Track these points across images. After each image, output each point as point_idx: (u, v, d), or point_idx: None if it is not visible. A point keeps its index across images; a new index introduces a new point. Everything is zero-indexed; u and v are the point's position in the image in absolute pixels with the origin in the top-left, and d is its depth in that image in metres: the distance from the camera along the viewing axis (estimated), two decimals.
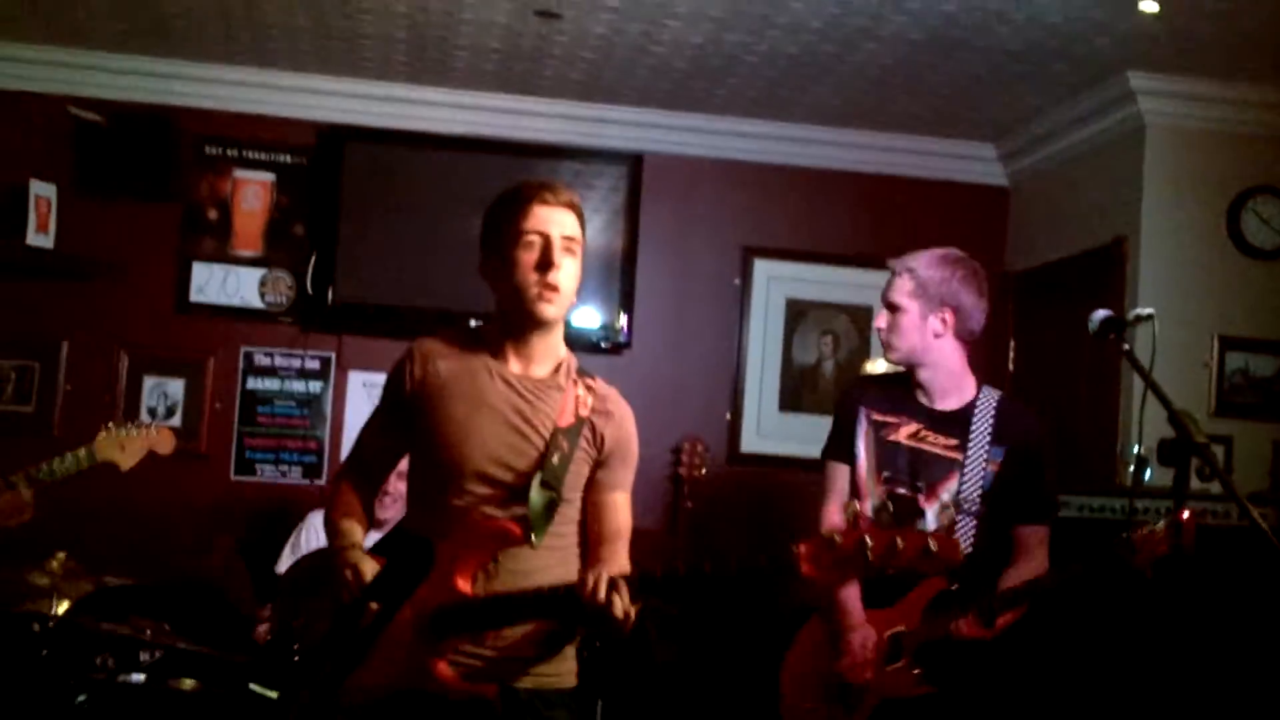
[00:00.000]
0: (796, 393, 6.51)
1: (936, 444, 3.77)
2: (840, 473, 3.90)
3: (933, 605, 3.66)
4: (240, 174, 6.28)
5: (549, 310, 2.98)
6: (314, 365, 6.26)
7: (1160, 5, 4.68)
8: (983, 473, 3.71)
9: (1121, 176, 5.65)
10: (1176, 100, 5.48)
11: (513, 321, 3.03)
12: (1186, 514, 3.16)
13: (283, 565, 5.15)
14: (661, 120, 6.42)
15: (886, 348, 3.86)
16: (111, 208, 6.08)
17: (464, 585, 2.88)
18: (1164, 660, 4.31)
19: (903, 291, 3.80)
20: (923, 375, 3.82)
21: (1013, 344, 6.42)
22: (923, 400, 3.83)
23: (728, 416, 6.48)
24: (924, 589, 3.67)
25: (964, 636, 3.58)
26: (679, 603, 5.15)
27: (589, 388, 3.07)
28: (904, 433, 3.80)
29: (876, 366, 6.20)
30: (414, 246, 6.05)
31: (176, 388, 6.17)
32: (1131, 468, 4.79)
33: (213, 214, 6.24)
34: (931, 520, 3.70)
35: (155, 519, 5.85)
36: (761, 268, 6.53)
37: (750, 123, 6.45)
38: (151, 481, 4.98)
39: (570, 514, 3.03)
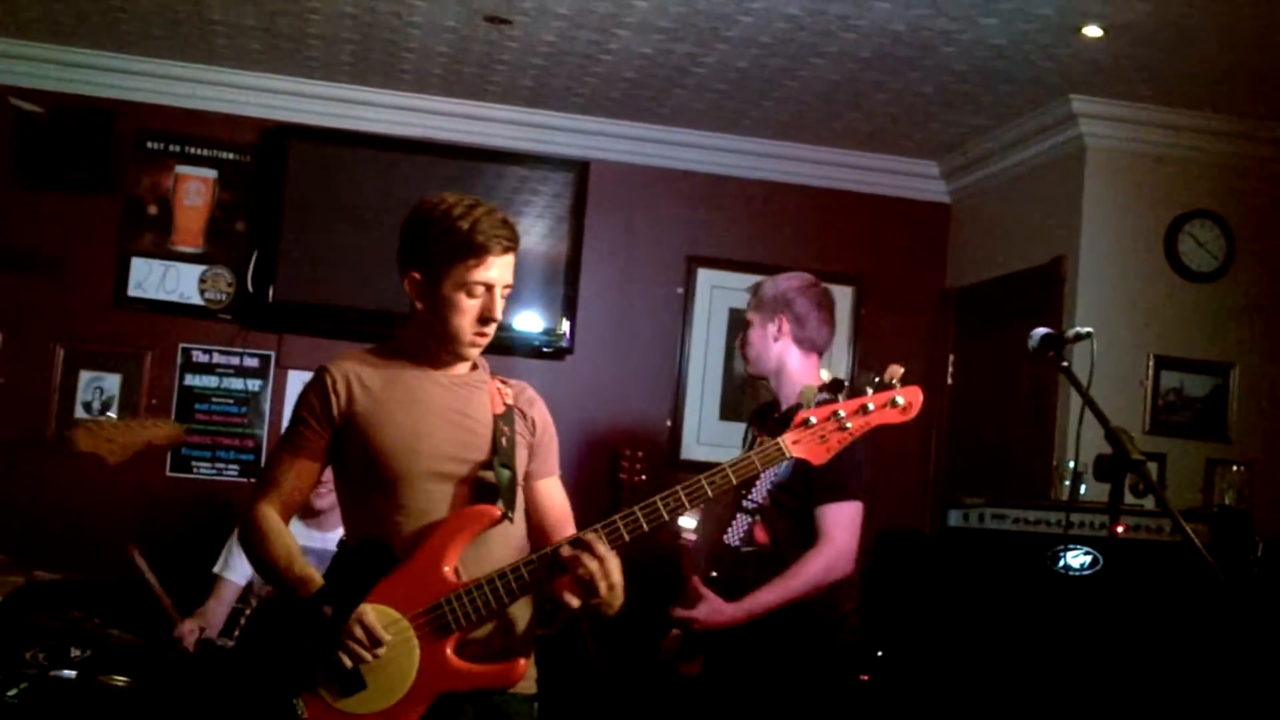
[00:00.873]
0: (737, 402, 6.54)
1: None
2: None
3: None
4: (182, 169, 6.22)
5: (476, 353, 3.09)
6: (253, 363, 6.22)
7: (1103, 31, 4.76)
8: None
9: (1061, 197, 5.72)
10: (1117, 124, 5.57)
11: (433, 341, 3.06)
12: None
13: (220, 566, 5.10)
14: (609, 129, 6.43)
15: (744, 362, 4.24)
16: (50, 200, 6.01)
17: (452, 576, 2.89)
18: (1097, 673, 4.37)
19: (750, 308, 4.19)
20: (773, 384, 4.11)
21: (951, 358, 6.50)
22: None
23: (669, 423, 6.50)
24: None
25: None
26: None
27: (504, 381, 3.17)
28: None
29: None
30: (356, 247, 6.02)
31: (113, 383, 6.10)
32: (1067, 482, 4.85)
33: (153, 209, 6.18)
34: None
35: (87, 514, 5.78)
36: (705, 277, 6.56)
37: (697, 134, 6.48)
38: (84, 477, 4.92)
39: (520, 501, 3.09)
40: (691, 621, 3.86)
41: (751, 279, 6.43)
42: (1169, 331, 5.59)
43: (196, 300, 6.18)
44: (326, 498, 4.79)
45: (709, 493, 2.92)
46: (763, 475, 3.87)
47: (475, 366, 3.13)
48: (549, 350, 6.24)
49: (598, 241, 6.40)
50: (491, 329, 3.01)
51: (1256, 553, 4.46)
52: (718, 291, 6.55)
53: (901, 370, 3.02)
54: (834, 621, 3.89)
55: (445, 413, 3.02)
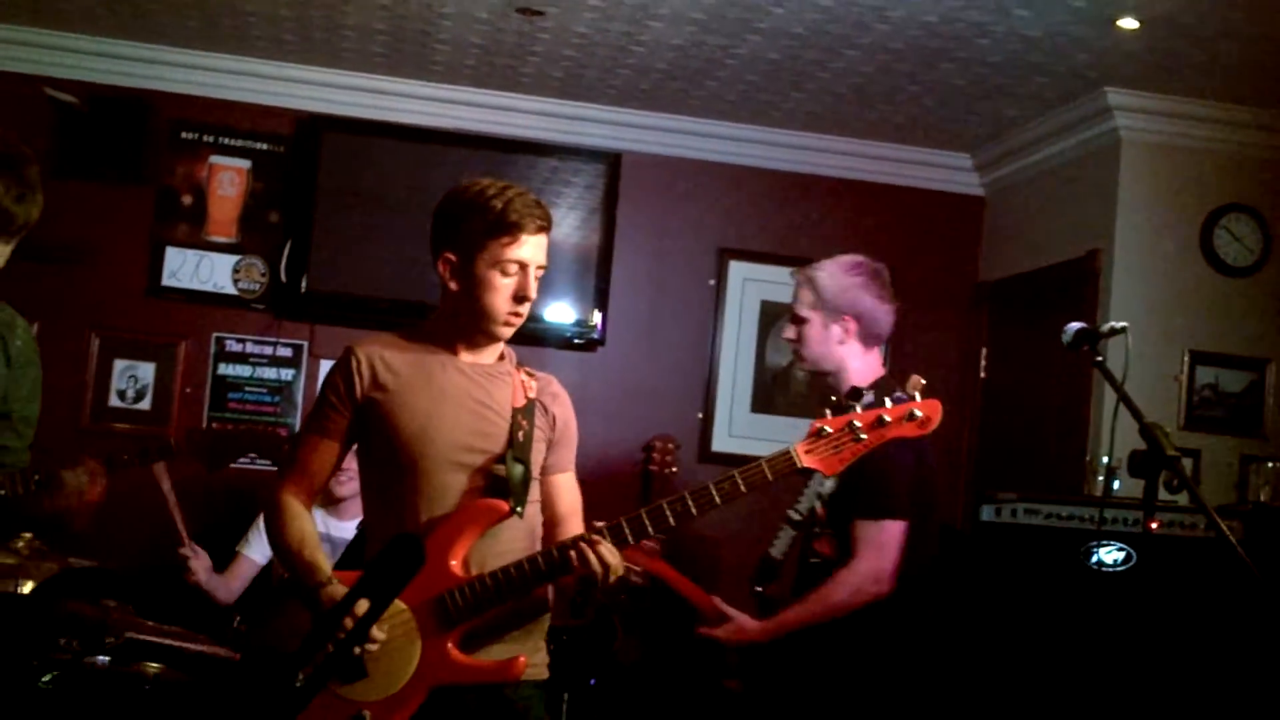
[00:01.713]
0: (768, 394, 6.53)
1: None
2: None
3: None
4: (216, 160, 6.25)
5: (510, 332, 3.08)
6: (286, 353, 6.25)
7: (1139, 23, 4.72)
8: None
9: (1096, 190, 5.69)
10: (1153, 117, 5.53)
11: (466, 324, 3.07)
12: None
13: (243, 544, 5.16)
14: (640, 120, 6.43)
15: (796, 357, 3.97)
16: (86, 190, 6.04)
17: (459, 569, 2.91)
18: (1130, 669, 4.35)
19: (805, 303, 3.90)
20: (830, 381, 3.89)
21: (985, 352, 6.47)
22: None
23: (700, 416, 6.49)
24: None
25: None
26: (647, 600, 5.16)
27: (529, 374, 3.16)
28: None
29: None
30: (388, 237, 6.04)
31: (147, 371, 6.14)
32: (1100, 478, 4.83)
33: (187, 199, 6.21)
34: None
35: (119, 502, 5.79)
36: (737, 269, 6.55)
37: (729, 125, 6.47)
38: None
39: (535, 493, 3.10)
40: (717, 640, 3.81)
41: (783, 270, 6.48)
42: (1204, 326, 5.55)
43: (230, 290, 6.21)
44: (348, 485, 4.85)
45: (717, 499, 2.94)
46: (807, 488, 3.81)
47: (502, 356, 3.14)
48: (580, 342, 6.24)
49: (629, 233, 6.40)
50: (526, 309, 3.03)
51: None
52: (749, 284, 6.54)
53: (923, 383, 2.99)
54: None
55: (464, 400, 3.03)
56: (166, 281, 6.17)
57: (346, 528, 4.96)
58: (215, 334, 6.21)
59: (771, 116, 6.31)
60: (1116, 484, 4.54)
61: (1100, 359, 3.29)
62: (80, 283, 6.07)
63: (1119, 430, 3.29)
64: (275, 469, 6.03)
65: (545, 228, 3.03)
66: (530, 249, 3.00)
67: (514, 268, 2.98)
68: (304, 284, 6.08)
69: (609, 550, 2.87)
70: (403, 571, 2.45)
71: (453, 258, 3.03)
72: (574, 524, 3.14)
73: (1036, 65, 5.26)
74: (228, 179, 6.25)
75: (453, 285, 3.05)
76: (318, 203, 6.11)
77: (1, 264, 2.99)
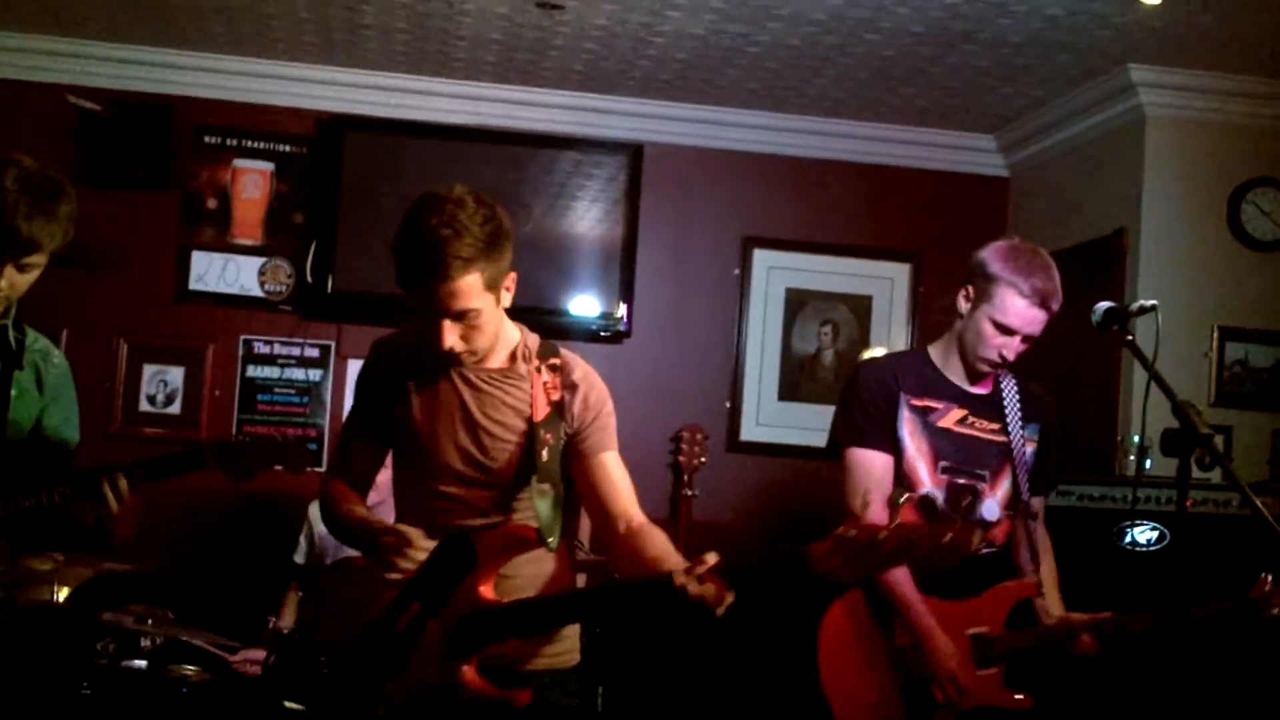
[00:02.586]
0: (796, 382, 6.52)
1: (984, 429, 3.64)
2: (877, 461, 3.58)
3: (1018, 612, 3.57)
4: (240, 163, 6.27)
5: (458, 361, 2.91)
6: (313, 353, 6.27)
7: None
8: (1025, 456, 3.66)
9: (1122, 168, 5.66)
10: (1177, 92, 5.50)
11: None
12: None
13: (300, 556, 5.15)
14: (662, 110, 6.42)
15: (993, 366, 3.62)
16: (111, 196, 6.06)
17: (487, 592, 2.81)
18: (1167, 649, 4.32)
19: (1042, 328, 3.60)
20: (964, 365, 3.67)
21: None
22: (957, 382, 3.66)
23: (727, 405, 6.48)
24: (1004, 591, 3.59)
25: (1079, 654, 3.54)
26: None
27: (552, 368, 2.97)
28: (950, 418, 3.63)
29: (875, 354, 6.23)
30: None
31: (176, 376, 6.17)
32: (1132, 457, 4.81)
33: (212, 203, 6.24)
34: (995, 510, 3.61)
35: (150, 506, 5.81)
36: (761, 257, 6.54)
37: (751, 113, 6.45)
38: None
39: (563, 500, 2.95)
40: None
41: (808, 258, 6.51)
42: (1233, 302, 5.51)
43: (256, 292, 6.23)
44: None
45: None
46: (1019, 462, 3.62)
47: (515, 356, 2.98)
48: (606, 334, 6.24)
49: (653, 224, 6.39)
50: (454, 355, 2.85)
51: None
52: (774, 271, 6.53)
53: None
54: None
55: (465, 411, 2.93)
56: (193, 285, 6.20)
57: None
58: (243, 336, 6.23)
59: (793, 103, 6.30)
60: (1149, 463, 4.52)
61: (1130, 338, 3.27)
62: (108, 289, 6.10)
63: (1150, 409, 3.26)
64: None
65: (454, 274, 2.75)
66: (440, 298, 2.78)
67: (431, 317, 2.82)
68: (330, 284, 6.09)
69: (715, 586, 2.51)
70: (455, 572, 2.43)
71: (404, 289, 2.88)
72: (634, 513, 2.90)
73: (1059, 43, 5.23)
74: (251, 182, 6.27)
75: None
76: (341, 203, 6.12)
77: (23, 289, 2.99)
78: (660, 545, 2.80)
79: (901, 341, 6.45)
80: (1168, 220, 5.51)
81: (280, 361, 6.25)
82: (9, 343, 3.08)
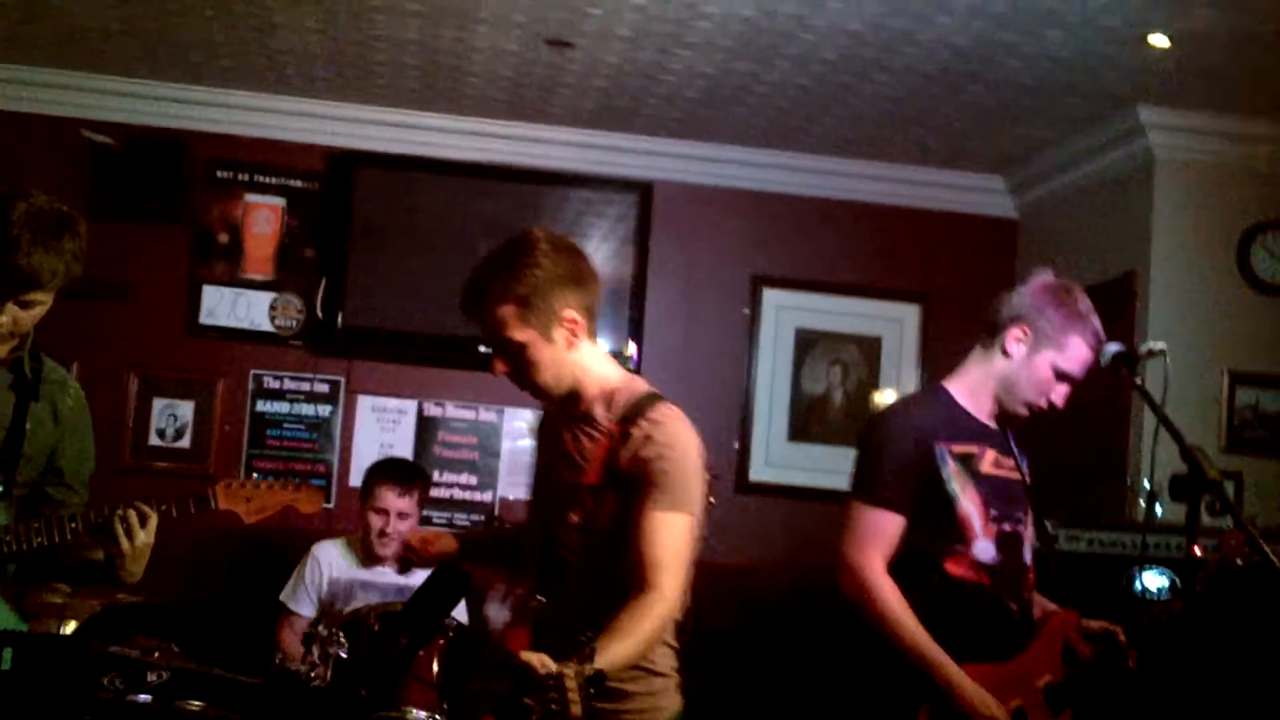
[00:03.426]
0: (805, 422, 6.50)
1: (1009, 469, 3.51)
2: (891, 524, 3.35)
3: (1068, 649, 3.50)
4: (251, 198, 6.30)
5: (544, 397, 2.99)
6: (323, 389, 6.27)
7: (1170, 40, 4.70)
8: (1030, 486, 3.55)
9: (1131, 210, 5.65)
10: (1186, 134, 5.50)
11: None
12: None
13: (288, 595, 5.13)
14: (672, 149, 6.43)
15: (1037, 411, 3.54)
16: (123, 230, 6.07)
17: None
18: (1180, 696, 4.29)
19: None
20: (998, 406, 3.55)
21: None
22: (985, 421, 3.51)
23: (736, 445, 6.47)
24: (1051, 632, 3.49)
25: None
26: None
27: (629, 421, 2.83)
28: (988, 462, 3.46)
29: (885, 398, 6.22)
30: (424, 272, 6.06)
31: (186, 410, 6.18)
32: (1142, 502, 4.78)
33: (223, 237, 6.26)
34: (1028, 553, 3.51)
35: (161, 539, 5.80)
36: (771, 297, 6.53)
37: (761, 152, 6.46)
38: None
39: (604, 547, 2.81)
40: None
41: (818, 297, 6.50)
42: (1243, 346, 5.49)
43: (267, 327, 6.24)
44: (391, 546, 4.84)
45: None
46: (1033, 493, 3.54)
47: (585, 404, 2.91)
48: None
49: (662, 263, 6.40)
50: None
51: None
52: (783, 311, 6.52)
53: None
54: None
55: (554, 450, 2.98)
56: (204, 320, 6.21)
57: (385, 572, 4.96)
58: (253, 371, 6.24)
59: (803, 142, 6.31)
60: (1159, 509, 4.49)
61: (1139, 381, 3.26)
62: (119, 322, 6.11)
63: (1159, 453, 3.24)
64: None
65: (462, 308, 2.97)
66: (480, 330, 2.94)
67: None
68: (340, 320, 6.11)
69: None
70: (445, 602, 2.43)
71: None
72: (641, 583, 2.70)
73: (1068, 85, 5.24)
74: (263, 217, 6.29)
75: None
76: (352, 238, 6.14)
77: (28, 325, 3.00)
78: (614, 623, 2.62)
79: (912, 382, 6.42)
80: (1177, 262, 5.50)
81: (290, 397, 6.26)
82: (25, 374, 3.09)
